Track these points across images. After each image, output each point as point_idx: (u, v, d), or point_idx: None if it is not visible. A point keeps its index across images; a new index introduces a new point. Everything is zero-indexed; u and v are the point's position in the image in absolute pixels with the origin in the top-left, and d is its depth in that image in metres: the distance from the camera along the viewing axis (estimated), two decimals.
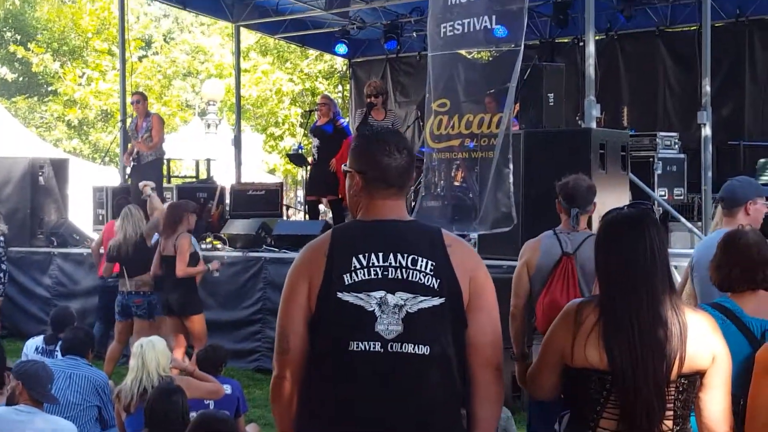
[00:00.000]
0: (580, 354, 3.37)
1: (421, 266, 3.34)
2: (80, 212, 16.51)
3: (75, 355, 7.48)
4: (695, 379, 3.39)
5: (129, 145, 14.57)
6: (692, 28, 16.47)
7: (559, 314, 3.53)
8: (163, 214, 10.41)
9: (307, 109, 19.23)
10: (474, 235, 10.26)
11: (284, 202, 16.68)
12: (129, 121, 14.92)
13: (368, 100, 12.65)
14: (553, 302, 5.55)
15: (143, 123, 13.85)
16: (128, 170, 14.33)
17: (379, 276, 3.32)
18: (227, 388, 7.67)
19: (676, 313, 3.35)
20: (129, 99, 15.35)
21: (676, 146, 12.92)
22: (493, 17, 9.68)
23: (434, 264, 3.35)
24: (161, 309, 10.26)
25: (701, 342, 3.37)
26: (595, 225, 6.23)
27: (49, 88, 33.76)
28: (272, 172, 31.11)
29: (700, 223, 11.98)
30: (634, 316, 3.32)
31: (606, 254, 3.47)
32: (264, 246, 12.67)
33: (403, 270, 3.33)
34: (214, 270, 10.47)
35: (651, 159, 12.30)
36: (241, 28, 19.98)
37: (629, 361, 3.29)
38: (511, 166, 9.33)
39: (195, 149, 23.93)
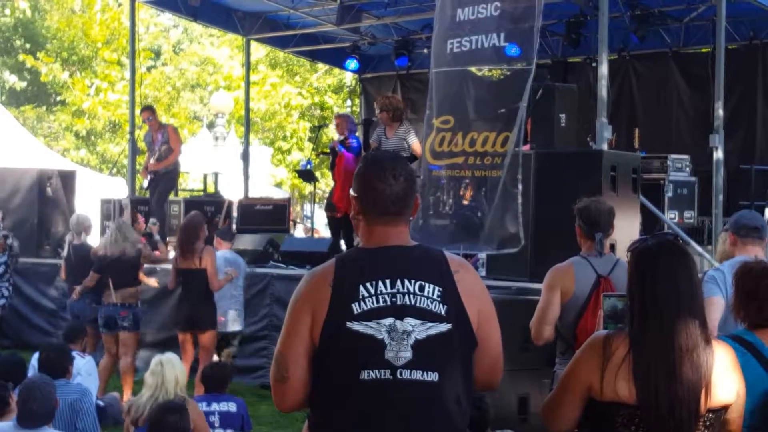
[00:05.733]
0: (610, 387, 3.32)
1: (428, 292, 3.31)
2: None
3: (50, 376, 7.34)
4: (721, 413, 3.36)
5: (145, 161, 14.57)
6: (706, 50, 16.44)
7: (584, 345, 3.49)
8: (179, 231, 10.47)
9: (316, 124, 19.25)
10: (482, 256, 10.20)
11: (291, 217, 16.65)
12: (139, 132, 14.92)
13: (378, 115, 12.48)
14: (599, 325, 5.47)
15: (158, 135, 13.83)
16: (145, 183, 14.37)
17: (388, 303, 3.29)
18: (232, 407, 7.64)
19: (707, 347, 3.32)
20: (138, 111, 15.38)
21: (687, 169, 12.85)
22: (502, 34, 9.66)
23: (441, 290, 3.33)
24: (178, 322, 10.25)
25: (727, 376, 3.35)
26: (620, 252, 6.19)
27: (58, 98, 33.78)
28: (279, 185, 31.10)
29: (710, 247, 11.89)
30: (667, 350, 3.28)
31: (639, 286, 3.40)
32: (271, 262, 12.62)
33: (411, 296, 3.30)
34: (233, 275, 10.59)
35: (662, 181, 12.26)
36: (251, 41, 19.99)
37: (660, 395, 3.25)
38: (520, 186, 9.28)
39: (203, 161, 23.95)
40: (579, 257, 5.98)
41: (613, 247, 6.19)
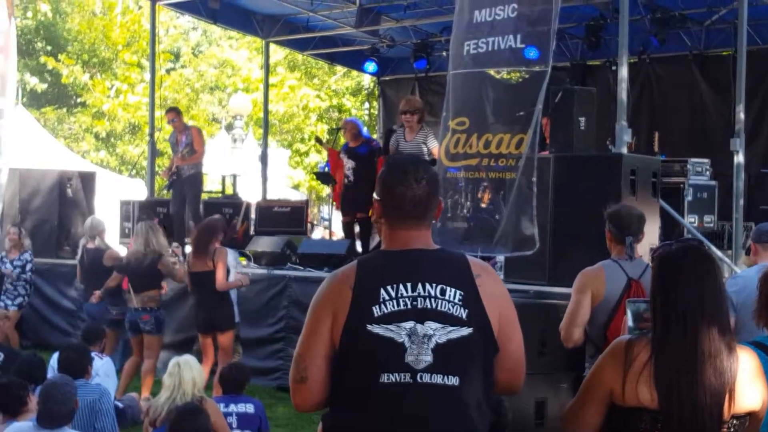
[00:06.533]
0: (632, 392, 3.31)
1: (449, 296, 3.31)
2: (106, 225, 16.54)
3: (70, 376, 7.37)
4: (745, 420, 3.35)
5: (169, 163, 14.58)
6: (726, 53, 16.37)
7: (606, 351, 3.50)
8: (195, 231, 10.50)
9: (334, 126, 19.27)
10: (500, 259, 10.17)
11: (308, 219, 16.67)
12: (159, 135, 14.92)
13: (403, 116, 12.35)
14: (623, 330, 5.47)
15: (182, 137, 13.84)
16: (167, 184, 14.36)
17: (409, 306, 3.29)
18: (250, 408, 7.65)
19: (731, 353, 3.30)
20: (157, 113, 15.39)
21: (708, 173, 12.77)
22: (519, 36, 9.63)
23: (462, 294, 3.33)
24: (198, 325, 10.28)
25: (752, 382, 3.33)
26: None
27: (78, 100, 33.93)
28: (296, 187, 31.16)
29: (730, 252, 11.84)
30: (690, 355, 3.27)
31: (662, 290, 3.39)
32: (289, 264, 12.63)
33: (432, 300, 3.30)
34: (244, 284, 10.53)
35: (682, 185, 12.19)
36: (270, 44, 20.03)
37: (683, 400, 3.24)
38: (535, 189, 9.26)
39: (221, 163, 24.00)
40: (610, 261, 6.01)
41: None
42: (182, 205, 14.10)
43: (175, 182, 13.90)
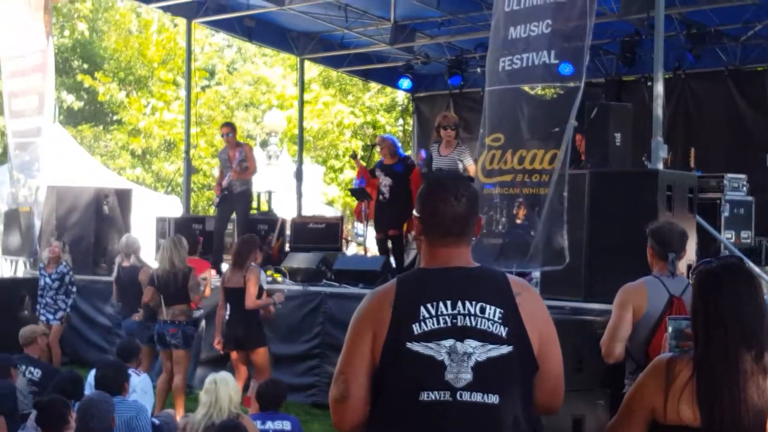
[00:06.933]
0: (673, 410, 3.29)
1: (489, 314, 3.30)
2: (142, 241, 16.67)
3: (106, 393, 7.37)
4: None
5: (219, 175, 14.62)
6: (762, 69, 16.28)
7: (647, 368, 3.46)
8: (235, 247, 10.54)
9: (369, 143, 19.29)
10: (536, 275, 10.16)
11: (343, 236, 16.69)
12: (193, 152, 14.96)
13: (442, 131, 12.34)
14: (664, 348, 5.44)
15: (236, 153, 13.90)
16: (216, 200, 14.34)
17: (449, 324, 3.28)
18: (286, 425, 7.66)
19: None
20: (193, 130, 15.46)
21: (744, 188, 12.69)
22: (553, 52, 9.65)
23: (502, 312, 3.31)
24: (228, 342, 10.31)
25: None
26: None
27: (115, 117, 34.20)
28: (331, 203, 31.22)
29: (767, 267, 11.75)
30: (731, 373, 3.24)
31: (703, 308, 3.37)
32: (324, 280, 12.65)
33: (472, 318, 3.29)
34: (278, 302, 10.55)
35: (718, 201, 12.12)
36: (305, 61, 20.13)
37: (725, 419, 3.21)
38: (566, 204, 9.26)
39: (256, 180, 24.05)
40: (651, 277, 6.01)
41: None
42: (225, 223, 14.15)
43: (225, 198, 13.94)
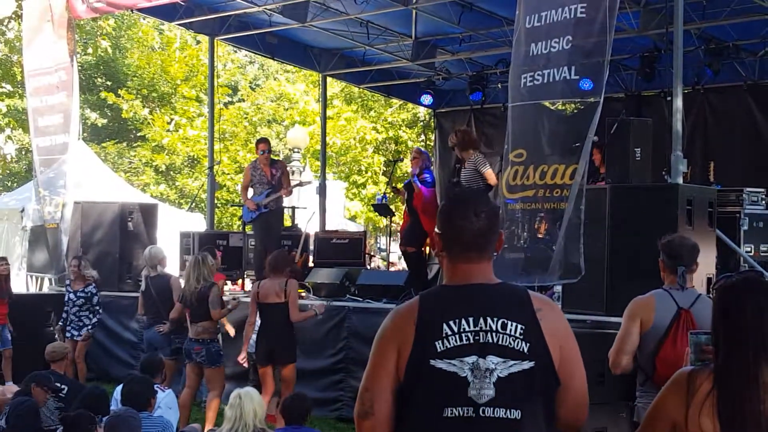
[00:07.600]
0: (695, 423, 3.29)
1: (510, 330, 3.33)
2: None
3: (133, 408, 7.45)
4: None
5: (247, 191, 14.60)
6: None
7: (669, 382, 3.46)
8: (267, 263, 10.66)
9: (391, 159, 19.38)
10: (558, 289, 10.23)
11: (366, 251, 16.78)
12: (217, 168, 15.06)
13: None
14: (678, 357, 5.45)
15: (272, 170, 14.05)
16: (252, 215, 14.18)
17: (471, 341, 3.31)
18: None
19: None
20: (216, 146, 15.52)
21: (763, 202, 12.69)
22: (573, 68, 9.72)
23: (524, 328, 3.34)
24: (258, 356, 10.40)
25: None
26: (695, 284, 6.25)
27: (138, 134, 34.44)
28: (353, 219, 31.28)
29: None
30: (752, 387, 3.24)
31: (723, 322, 3.37)
32: (348, 295, 12.74)
33: (494, 334, 3.32)
34: (319, 314, 10.72)
35: (737, 215, 12.13)
36: (327, 77, 20.26)
37: (746, 431, 3.22)
38: (582, 216, 9.33)
39: None
40: (661, 290, 6.07)
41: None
42: (270, 240, 14.19)
43: (262, 214, 14.03)
